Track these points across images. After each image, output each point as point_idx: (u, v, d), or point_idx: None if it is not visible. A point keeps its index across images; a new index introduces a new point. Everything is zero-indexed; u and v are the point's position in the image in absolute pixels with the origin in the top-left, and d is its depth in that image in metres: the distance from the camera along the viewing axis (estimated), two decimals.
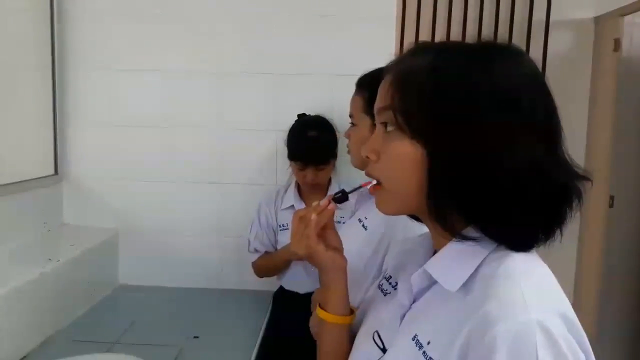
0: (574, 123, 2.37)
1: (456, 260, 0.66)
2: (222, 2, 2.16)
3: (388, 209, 0.73)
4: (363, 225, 1.32)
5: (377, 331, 0.77)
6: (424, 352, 0.64)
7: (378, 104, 0.72)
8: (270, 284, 2.11)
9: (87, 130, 2.22)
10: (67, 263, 1.82)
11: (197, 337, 1.74)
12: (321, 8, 2.15)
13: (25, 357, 1.57)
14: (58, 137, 2.17)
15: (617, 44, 2.31)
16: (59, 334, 1.74)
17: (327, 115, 2.01)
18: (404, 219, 0.78)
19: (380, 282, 0.89)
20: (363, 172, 0.78)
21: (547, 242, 0.66)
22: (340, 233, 1.48)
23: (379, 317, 0.80)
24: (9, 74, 1.89)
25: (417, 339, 0.66)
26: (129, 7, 2.18)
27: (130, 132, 2.22)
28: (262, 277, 2.05)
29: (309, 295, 1.92)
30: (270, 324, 1.94)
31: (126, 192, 2.24)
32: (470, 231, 0.66)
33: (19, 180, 1.89)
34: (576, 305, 2.60)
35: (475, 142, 0.62)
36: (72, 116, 2.21)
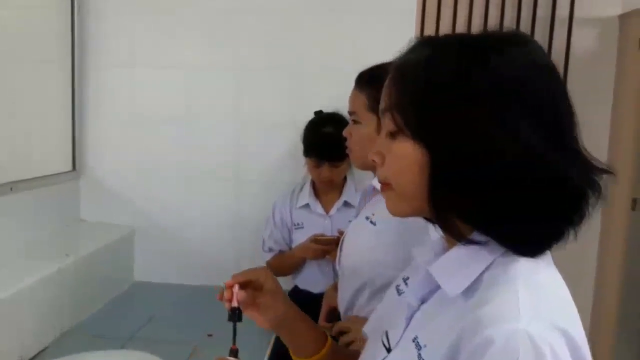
0: (597, 122, 2.30)
1: (460, 265, 0.64)
2: None
3: (395, 211, 0.71)
4: (371, 222, 1.31)
5: (386, 331, 0.75)
6: (419, 355, 0.63)
7: (381, 104, 0.70)
8: (284, 283, 2.08)
9: (105, 126, 2.23)
10: (84, 259, 1.84)
11: (211, 335, 1.74)
12: (340, 2, 2.12)
13: (44, 349, 1.59)
14: (76, 134, 2.18)
15: None
16: (76, 328, 1.75)
17: (345, 111, 2.00)
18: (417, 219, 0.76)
19: (397, 282, 0.88)
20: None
21: (559, 243, 0.62)
22: (349, 232, 1.47)
23: (390, 318, 0.78)
24: (29, 68, 1.91)
25: (417, 341, 0.64)
26: (149, 1, 2.19)
27: (148, 128, 2.22)
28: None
29: (323, 295, 1.91)
30: None
31: (143, 188, 2.25)
32: (477, 235, 0.63)
33: (37, 176, 1.91)
34: (596, 313, 2.53)
35: (472, 140, 0.59)
36: (91, 112, 2.22)
